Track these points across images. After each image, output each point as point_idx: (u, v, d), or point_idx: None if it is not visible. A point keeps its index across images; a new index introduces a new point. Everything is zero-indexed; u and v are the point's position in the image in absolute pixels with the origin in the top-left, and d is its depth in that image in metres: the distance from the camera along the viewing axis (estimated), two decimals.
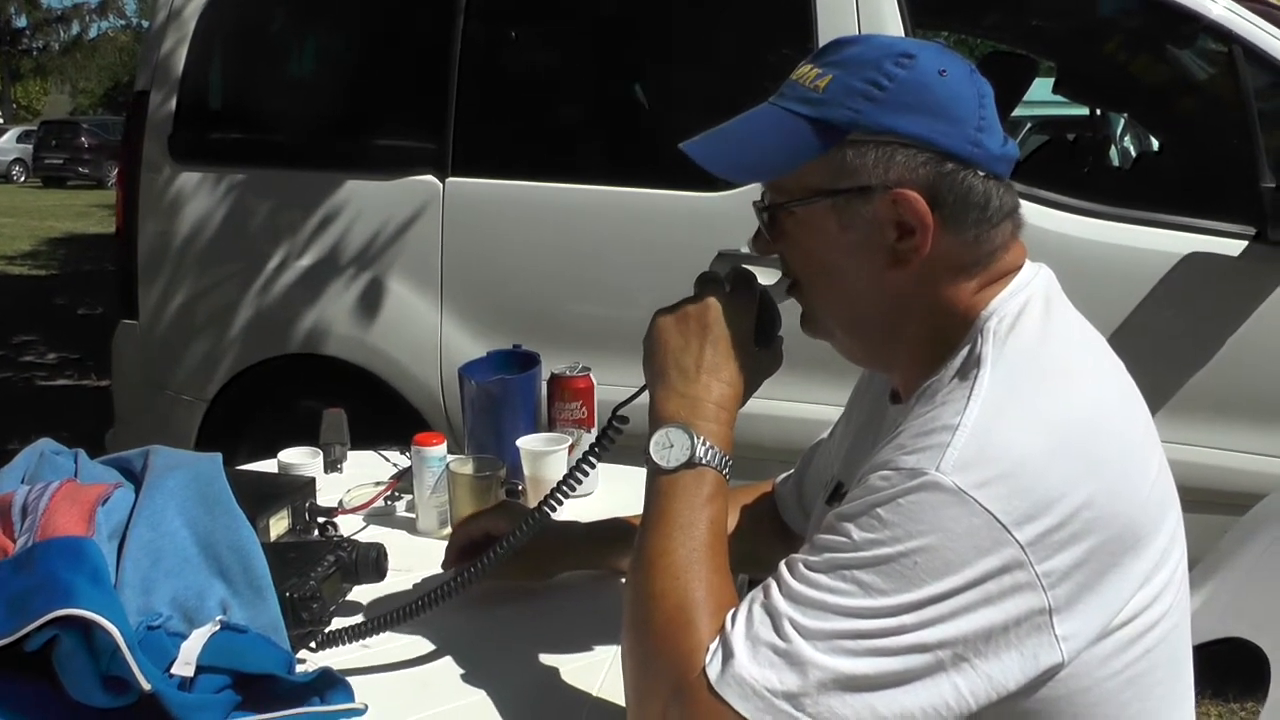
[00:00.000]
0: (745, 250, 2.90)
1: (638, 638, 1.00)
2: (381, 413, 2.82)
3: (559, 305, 2.98)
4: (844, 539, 0.93)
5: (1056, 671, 0.92)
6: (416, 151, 3.04)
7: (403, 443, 2.03)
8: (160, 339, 3.23)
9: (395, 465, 1.95)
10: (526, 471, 1.72)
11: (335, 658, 1.21)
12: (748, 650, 0.91)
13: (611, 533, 1.47)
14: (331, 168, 3.10)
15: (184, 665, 1.04)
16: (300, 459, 1.73)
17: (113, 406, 3.40)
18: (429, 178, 3.01)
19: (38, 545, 1.07)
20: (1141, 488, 0.97)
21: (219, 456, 1.25)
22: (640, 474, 1.73)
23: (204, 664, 1.04)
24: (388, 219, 3.03)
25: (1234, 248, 2.62)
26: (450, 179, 2.99)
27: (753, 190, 3.16)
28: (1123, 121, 6.31)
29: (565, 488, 1.18)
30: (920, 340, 1.06)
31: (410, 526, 1.69)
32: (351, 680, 1.13)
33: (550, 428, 1.84)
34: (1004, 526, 0.89)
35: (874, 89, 1.01)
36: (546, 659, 1.28)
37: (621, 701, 1.18)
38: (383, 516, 1.73)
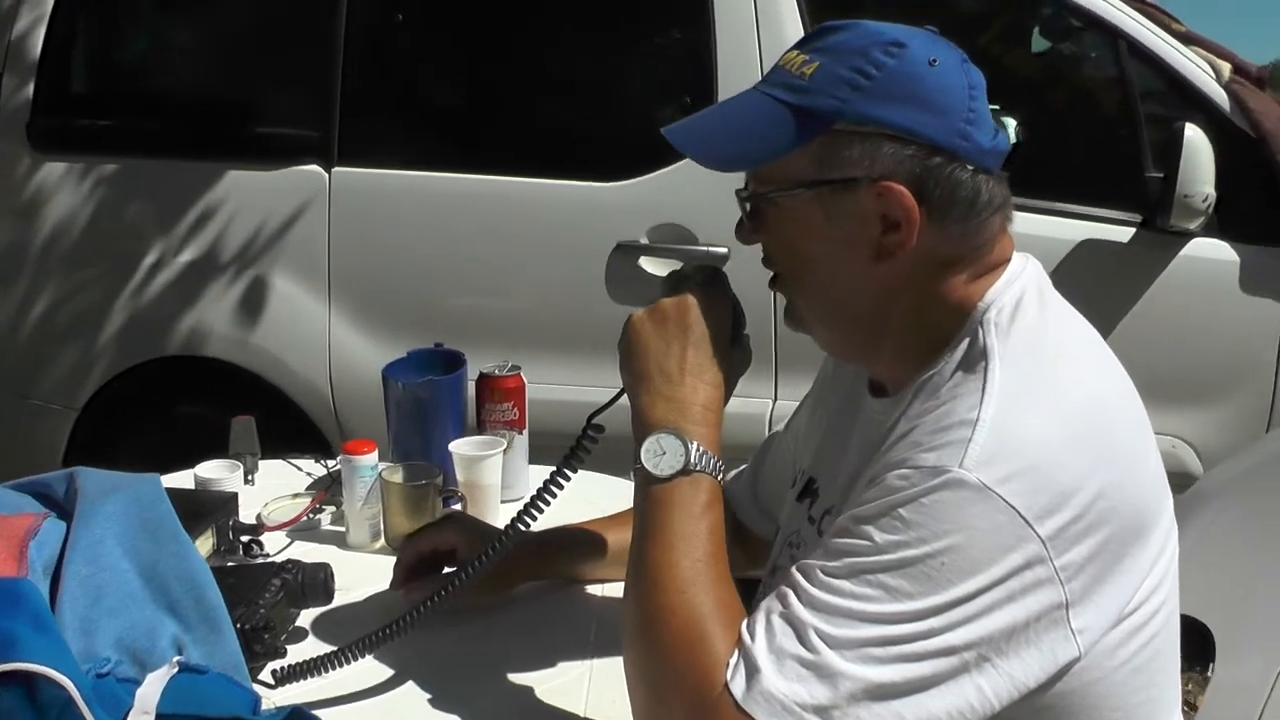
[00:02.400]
0: (644, 241, 2.88)
1: (648, 657, 0.95)
2: (269, 417, 2.68)
3: (452, 300, 2.88)
4: (865, 542, 0.90)
5: (1072, 665, 0.92)
6: (300, 140, 2.89)
7: (296, 448, 1.93)
8: (23, 344, 2.99)
9: (309, 474, 1.84)
10: (461, 477, 1.64)
11: (293, 690, 1.12)
12: (773, 664, 0.87)
13: (567, 541, 1.41)
14: (210, 157, 2.92)
15: (141, 715, 0.94)
16: (220, 473, 1.61)
17: None
18: (314, 168, 2.86)
19: None
20: (1145, 476, 0.98)
21: (157, 477, 1.14)
22: (588, 477, 1.67)
23: (164, 711, 0.94)
24: (271, 211, 2.87)
25: (1124, 234, 2.70)
26: (336, 169, 2.86)
27: (654, 180, 3.14)
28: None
29: (540, 502, 1.13)
30: (908, 333, 1.04)
31: (339, 541, 1.59)
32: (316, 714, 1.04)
33: (479, 430, 1.76)
34: (1027, 522, 0.88)
35: (860, 78, 0.99)
36: (519, 678, 1.21)
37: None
38: (307, 531, 1.62)
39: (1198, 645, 1.47)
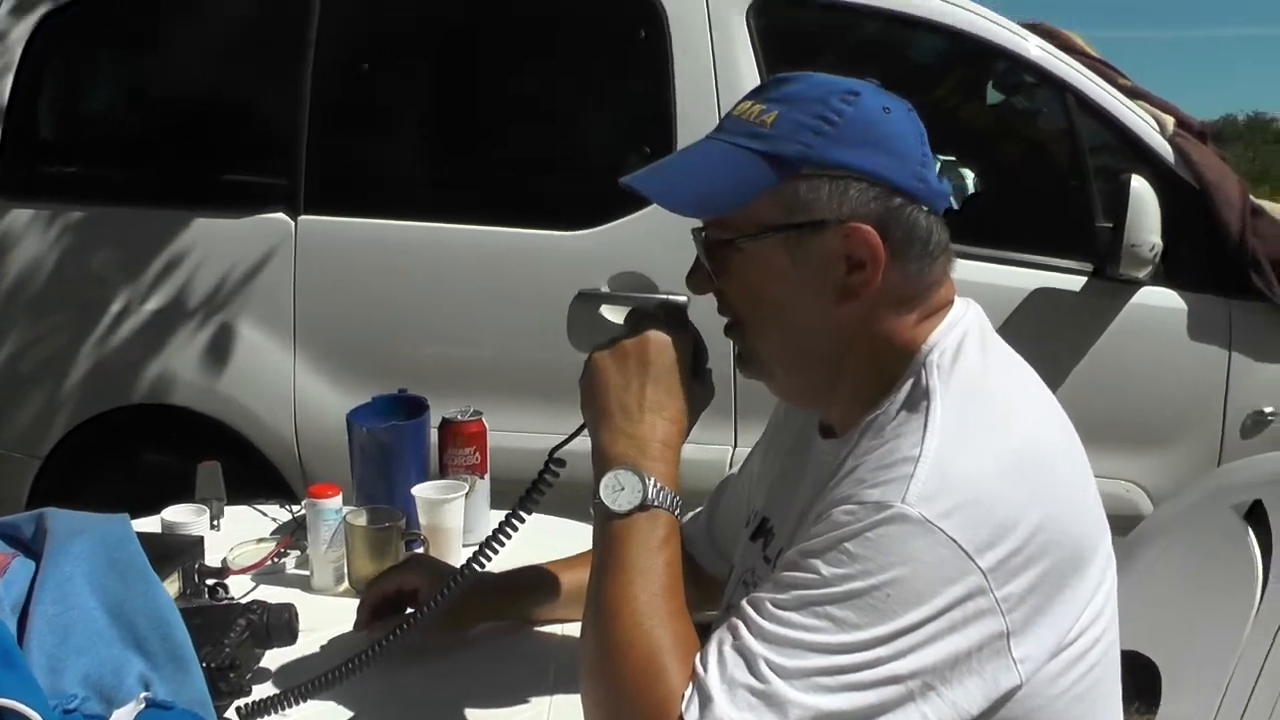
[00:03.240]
0: (605, 289, 2.91)
1: (606, 690, 0.97)
2: (234, 464, 2.68)
3: (416, 347, 2.91)
4: (813, 575, 0.93)
5: (1014, 693, 0.95)
6: (266, 188, 2.92)
7: (261, 495, 1.94)
8: None
9: (274, 519, 1.86)
10: (423, 520, 1.66)
11: None
12: (725, 694, 0.90)
13: (525, 582, 1.43)
14: (176, 205, 2.94)
15: None
16: (185, 517, 1.63)
17: None
18: (280, 215, 2.89)
19: None
20: (1083, 510, 1.01)
21: (125, 517, 1.16)
22: (532, 519, 1.70)
23: None
24: (237, 260, 2.89)
25: (1075, 283, 2.78)
26: (303, 217, 2.89)
27: (615, 229, 3.18)
28: (939, 163, 6.60)
29: (497, 541, 1.15)
30: (861, 375, 1.07)
31: (303, 584, 1.61)
32: None
33: (441, 474, 1.78)
34: (968, 554, 0.91)
35: (823, 124, 1.03)
36: (476, 715, 1.23)
37: None
38: (272, 575, 1.63)
39: (1145, 681, 1.51)
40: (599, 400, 1.08)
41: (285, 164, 2.90)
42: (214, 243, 2.91)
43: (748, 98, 1.10)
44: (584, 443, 1.10)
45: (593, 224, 2.83)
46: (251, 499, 1.91)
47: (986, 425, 0.99)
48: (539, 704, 1.25)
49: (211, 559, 1.58)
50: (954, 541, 0.91)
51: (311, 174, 2.89)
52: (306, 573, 1.62)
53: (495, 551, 1.14)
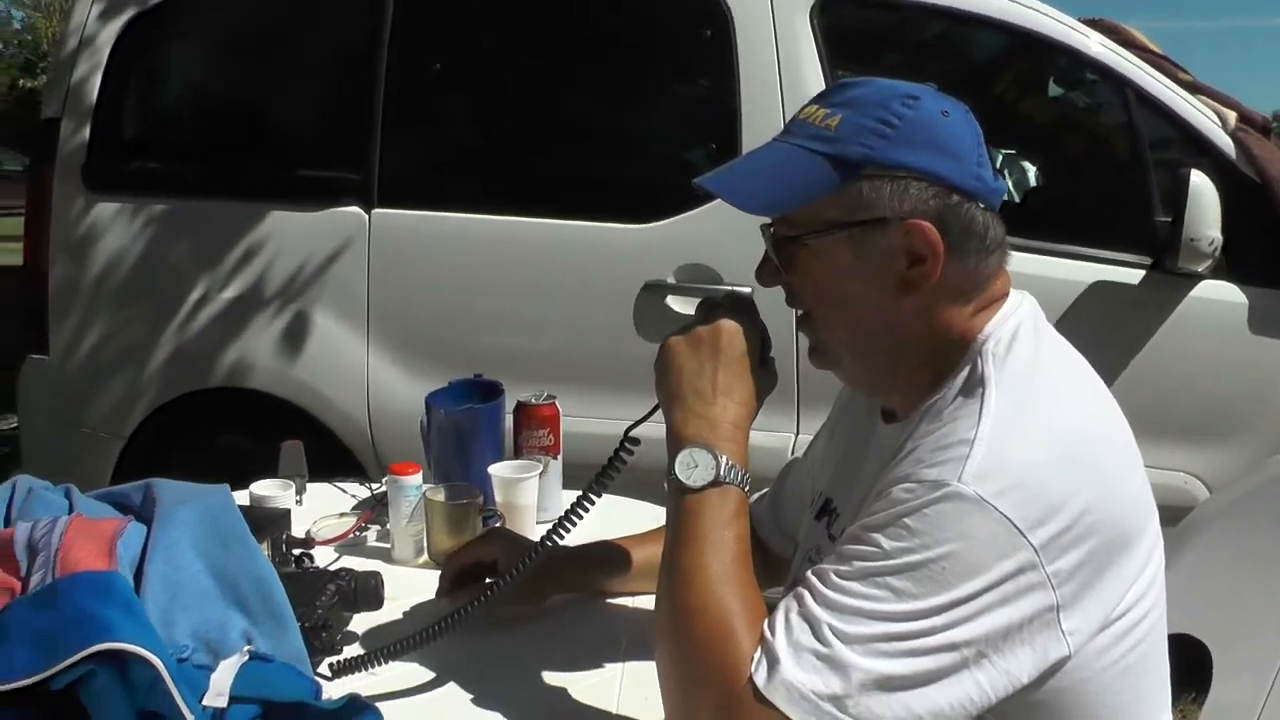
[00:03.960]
0: (670, 281, 2.97)
1: (679, 652, 1.03)
2: (308, 446, 2.79)
3: (485, 336, 2.99)
4: (874, 548, 0.99)
5: (1063, 664, 1.00)
6: (341, 182, 3.01)
7: (337, 474, 2.04)
8: (73, 375, 3.12)
9: (353, 496, 1.95)
10: (499, 498, 1.74)
11: (348, 683, 1.21)
12: (791, 656, 0.96)
13: (598, 557, 1.50)
14: (254, 198, 3.06)
15: (216, 696, 1.03)
16: (273, 491, 1.72)
17: (18, 447, 3.27)
18: (354, 209, 2.99)
19: (61, 581, 1.05)
20: (1130, 493, 1.06)
21: (226, 488, 1.24)
22: (604, 500, 1.76)
23: (235, 694, 1.04)
24: (313, 251, 3.00)
25: (1134, 276, 2.79)
26: (376, 210, 2.99)
27: (681, 223, 3.22)
28: (1001, 157, 6.63)
29: (574, 515, 1.21)
30: (921, 363, 1.13)
31: (385, 556, 1.69)
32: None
33: (515, 455, 1.86)
34: (1020, 531, 0.96)
35: (885, 127, 1.08)
36: (553, 678, 1.30)
37: (639, 716, 1.22)
38: (354, 547, 1.72)
39: (1197, 664, 1.54)
40: (673, 383, 1.14)
41: (359, 159, 2.99)
42: (290, 235, 3.02)
43: (813, 102, 1.16)
44: (653, 428, 1.17)
45: (659, 217, 2.89)
46: (328, 478, 2.01)
47: (1038, 412, 1.04)
48: (612, 669, 1.31)
49: (297, 531, 1.67)
50: (1006, 519, 0.96)
51: (385, 168, 2.98)
52: (387, 545, 1.71)
53: (572, 525, 1.20)
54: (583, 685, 1.28)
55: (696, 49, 3.09)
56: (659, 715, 1.11)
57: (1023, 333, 1.11)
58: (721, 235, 2.77)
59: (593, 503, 1.20)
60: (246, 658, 1.07)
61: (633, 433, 1.20)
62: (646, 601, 1.50)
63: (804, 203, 1.10)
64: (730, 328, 1.15)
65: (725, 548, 1.06)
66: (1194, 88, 2.96)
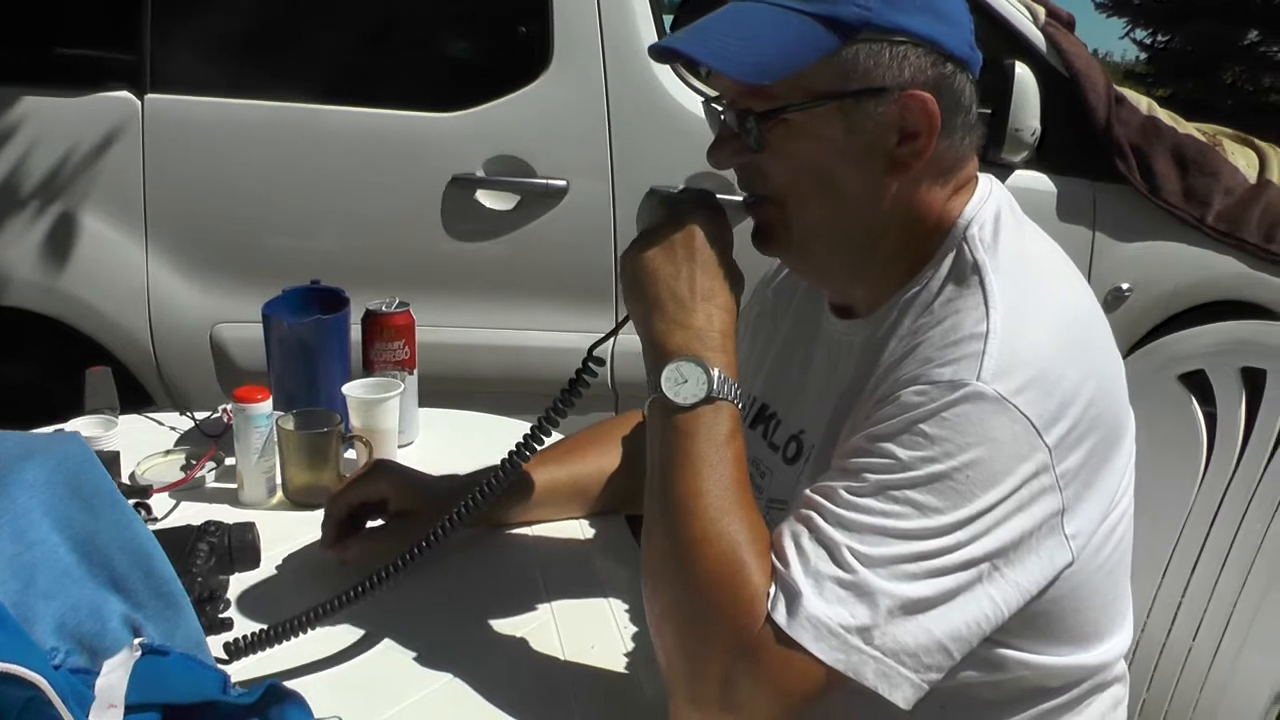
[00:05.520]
0: (480, 174, 2.76)
1: (682, 589, 0.91)
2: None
3: (279, 239, 2.72)
4: (888, 460, 0.90)
5: (1065, 569, 0.95)
6: (108, 63, 2.63)
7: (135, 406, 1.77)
8: None
9: (172, 429, 1.70)
10: (356, 422, 1.55)
11: (248, 666, 1.02)
12: (813, 587, 0.87)
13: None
14: (5, 82, 2.62)
15: (107, 709, 0.83)
16: (94, 430, 1.46)
17: None
18: (124, 94, 2.62)
19: None
20: (1120, 383, 1.02)
21: (79, 435, 1.02)
22: (458, 416, 1.59)
23: (132, 703, 0.84)
24: (76, 143, 2.61)
25: None
26: (150, 96, 2.62)
27: (490, 111, 3.01)
28: None
29: (534, 442, 1.06)
30: (895, 250, 1.04)
31: (230, 499, 1.47)
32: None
33: (366, 371, 1.66)
34: (1037, 431, 0.90)
35: None
36: (481, 631, 1.15)
37: (593, 663, 1.09)
38: (191, 490, 1.49)
39: None
40: (650, 291, 1.00)
41: (128, 36, 2.62)
42: (49, 124, 2.63)
43: None
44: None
45: (466, 105, 2.68)
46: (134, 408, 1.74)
47: (1042, 297, 0.98)
48: (543, 612, 1.18)
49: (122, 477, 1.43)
50: (1026, 418, 0.90)
51: (158, 48, 2.63)
52: (232, 485, 1.48)
53: (531, 454, 1.05)
54: (519, 634, 1.14)
55: None
56: (617, 660, 1.00)
57: (1004, 217, 1.04)
58: (534, 124, 2.58)
59: (550, 431, 1.04)
60: (139, 654, 0.87)
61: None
62: (547, 529, 1.37)
63: (798, 68, 0.97)
64: (703, 225, 1.02)
65: (724, 470, 0.94)
66: None
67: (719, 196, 1.05)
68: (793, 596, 0.86)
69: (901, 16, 0.97)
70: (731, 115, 1.02)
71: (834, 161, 1.00)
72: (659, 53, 1.03)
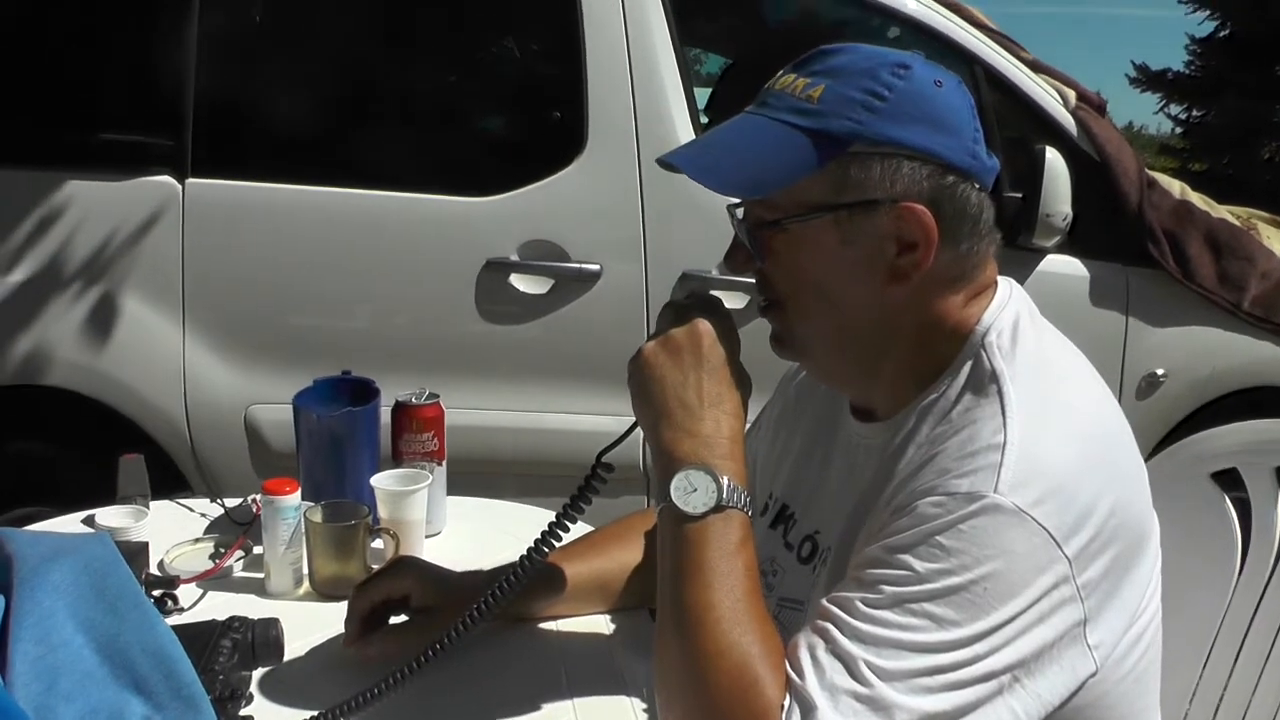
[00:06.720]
0: (514, 258, 2.80)
1: (697, 702, 0.91)
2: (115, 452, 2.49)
3: (316, 321, 2.74)
4: (905, 571, 0.90)
5: (1089, 680, 0.94)
6: (150, 148, 2.67)
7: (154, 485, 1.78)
8: None
9: (203, 515, 1.71)
10: (384, 514, 1.55)
11: None
12: (828, 700, 0.86)
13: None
14: (49, 165, 2.67)
15: None
16: (123, 520, 1.47)
17: None
18: (165, 178, 2.67)
19: None
20: (1143, 490, 1.02)
21: (107, 536, 1.02)
22: (487, 505, 1.60)
23: None
24: (118, 226, 2.65)
25: None
26: (190, 180, 2.67)
27: (525, 195, 3.05)
28: None
29: (551, 538, 1.06)
30: (908, 356, 1.04)
31: (257, 588, 1.47)
32: None
33: (395, 462, 1.67)
34: (1057, 543, 0.90)
35: (874, 99, 0.98)
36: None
37: None
38: (219, 580, 1.49)
39: None
40: (657, 399, 1.01)
41: (171, 122, 2.66)
42: (92, 207, 2.65)
43: (790, 70, 1.05)
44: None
45: (501, 190, 2.70)
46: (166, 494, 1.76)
47: (1060, 409, 0.98)
48: (564, 708, 1.17)
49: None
50: (1045, 529, 0.89)
51: (200, 133, 2.67)
52: (258, 575, 1.49)
53: (548, 552, 1.06)
54: None
55: (539, 10, 2.90)
56: None
57: (1023, 323, 1.04)
58: (568, 209, 2.61)
59: (563, 535, 1.05)
60: None
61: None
62: (570, 625, 1.36)
63: (786, 183, 0.99)
64: (709, 330, 1.03)
65: (735, 581, 0.94)
66: (1035, 66, 3.00)
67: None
68: (808, 710, 0.86)
69: (894, 129, 0.98)
70: (741, 225, 1.04)
71: (832, 271, 1.01)
72: (664, 164, 1.05)
